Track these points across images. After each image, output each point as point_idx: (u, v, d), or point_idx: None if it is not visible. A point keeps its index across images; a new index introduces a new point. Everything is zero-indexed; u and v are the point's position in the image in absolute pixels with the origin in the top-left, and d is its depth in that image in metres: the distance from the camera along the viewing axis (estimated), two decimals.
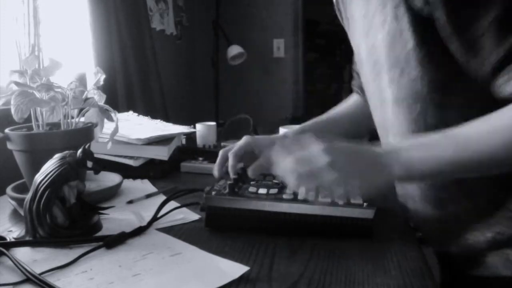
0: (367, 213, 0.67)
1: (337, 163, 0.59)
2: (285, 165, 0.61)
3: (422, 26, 0.57)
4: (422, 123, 0.63)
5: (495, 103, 0.55)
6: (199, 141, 1.33)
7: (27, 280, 0.56)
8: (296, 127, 1.12)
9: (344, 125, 0.97)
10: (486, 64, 0.54)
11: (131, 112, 1.36)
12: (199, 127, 1.34)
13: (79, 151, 0.73)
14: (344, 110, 1.00)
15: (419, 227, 0.77)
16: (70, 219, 0.71)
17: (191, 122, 1.38)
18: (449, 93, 0.61)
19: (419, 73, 0.60)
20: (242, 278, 0.56)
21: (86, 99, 0.89)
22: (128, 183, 1.03)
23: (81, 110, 0.91)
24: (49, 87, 0.84)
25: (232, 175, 0.80)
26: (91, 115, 0.93)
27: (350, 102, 1.00)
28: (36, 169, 0.72)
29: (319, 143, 0.60)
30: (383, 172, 0.59)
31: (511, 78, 0.52)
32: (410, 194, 0.74)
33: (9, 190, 0.89)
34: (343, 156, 0.60)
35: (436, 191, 0.69)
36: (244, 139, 0.86)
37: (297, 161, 0.60)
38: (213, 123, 1.37)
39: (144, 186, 1.03)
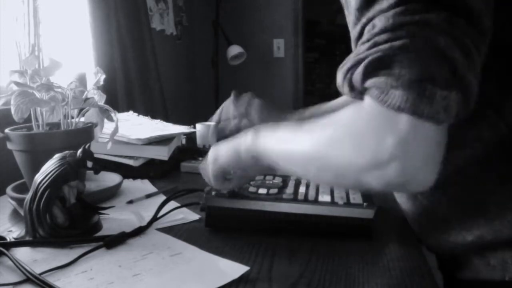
0: (367, 213, 0.67)
1: (216, 157, 0.68)
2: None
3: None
4: None
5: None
6: (199, 141, 1.33)
7: (27, 280, 0.56)
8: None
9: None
10: None
11: (131, 112, 1.36)
12: (199, 127, 1.34)
13: (79, 151, 0.73)
14: (333, 105, 1.00)
15: (411, 225, 0.76)
16: (70, 219, 0.71)
17: (191, 122, 1.38)
18: None
19: None
20: (242, 278, 0.56)
21: (86, 99, 0.90)
22: (128, 183, 1.03)
23: (81, 110, 0.91)
24: (49, 87, 0.84)
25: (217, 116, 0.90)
26: (91, 115, 0.93)
27: (340, 100, 1.00)
28: (36, 169, 0.72)
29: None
30: (241, 140, 0.65)
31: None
32: None
33: (9, 190, 0.89)
34: (222, 151, 0.68)
35: None
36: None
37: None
38: (213, 123, 1.37)
39: (144, 186, 1.03)
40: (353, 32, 0.50)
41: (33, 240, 0.68)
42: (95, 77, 0.94)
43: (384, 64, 0.43)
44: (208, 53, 2.79)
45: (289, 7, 2.97)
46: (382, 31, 0.44)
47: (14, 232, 0.75)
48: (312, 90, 4.61)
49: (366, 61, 0.44)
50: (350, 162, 0.47)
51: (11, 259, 0.60)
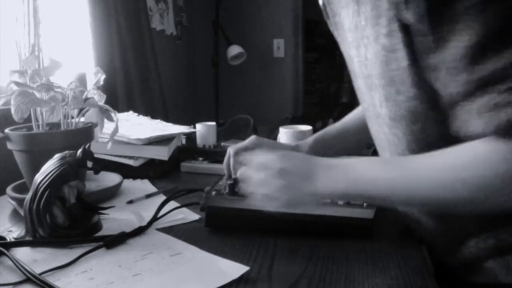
0: (367, 213, 0.67)
1: (288, 169, 0.59)
2: (244, 173, 0.63)
3: (415, 44, 0.55)
4: (423, 141, 0.61)
5: None
6: (199, 141, 1.33)
7: (27, 280, 0.56)
8: (301, 128, 1.12)
9: (355, 135, 0.95)
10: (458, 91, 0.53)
11: (131, 112, 1.36)
12: (199, 127, 1.34)
13: (79, 151, 0.73)
14: (354, 118, 0.97)
15: (425, 239, 0.76)
16: (70, 219, 0.71)
17: (191, 122, 1.38)
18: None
19: (416, 91, 0.58)
20: (242, 278, 0.56)
21: (86, 99, 0.90)
22: (128, 183, 1.03)
23: (81, 110, 0.91)
24: (49, 87, 0.84)
25: (226, 171, 0.82)
26: (91, 115, 0.93)
27: (352, 117, 0.98)
28: (36, 169, 0.72)
29: (276, 152, 0.62)
30: (329, 183, 0.59)
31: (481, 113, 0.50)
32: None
33: (9, 190, 0.89)
34: (295, 164, 0.60)
35: None
36: (251, 138, 0.88)
37: (254, 168, 0.62)
38: (213, 123, 1.37)
39: (144, 186, 1.03)
40: (466, 76, 0.50)
41: (33, 240, 0.68)
42: (95, 77, 0.94)
43: None
44: (208, 53, 2.79)
45: (289, 7, 2.97)
46: None
47: (14, 232, 0.75)
48: (312, 90, 4.61)
49: None
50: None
51: (11, 259, 0.60)
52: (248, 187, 0.62)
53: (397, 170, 0.57)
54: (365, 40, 0.61)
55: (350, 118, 0.97)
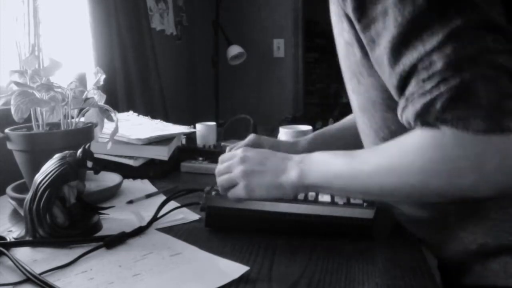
0: (367, 213, 0.67)
1: (247, 158, 0.66)
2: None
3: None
4: (387, 131, 0.62)
5: None
6: (199, 141, 1.33)
7: (27, 280, 0.56)
8: (299, 127, 1.12)
9: (354, 134, 0.97)
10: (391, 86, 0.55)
11: (131, 112, 1.36)
12: (199, 127, 1.34)
13: (79, 151, 0.73)
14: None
15: (416, 233, 0.76)
16: (70, 219, 0.71)
17: (191, 122, 1.38)
18: None
19: (372, 82, 0.60)
20: (242, 278, 0.56)
21: (86, 99, 0.90)
22: (128, 183, 1.03)
23: (81, 110, 0.91)
24: (49, 87, 0.84)
25: None
26: (91, 115, 0.93)
27: (346, 121, 0.99)
28: (36, 169, 0.72)
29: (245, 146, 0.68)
30: (283, 175, 0.63)
31: (404, 106, 0.52)
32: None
33: (9, 190, 0.89)
34: (256, 155, 0.66)
35: None
36: (249, 137, 0.88)
37: (221, 161, 0.70)
38: (213, 123, 1.37)
39: (144, 186, 1.03)
40: (392, 71, 0.53)
41: (33, 240, 0.68)
42: (95, 77, 0.94)
43: (461, 96, 0.46)
44: (208, 53, 2.79)
45: (289, 7, 2.97)
46: (446, 66, 0.47)
47: (14, 232, 0.75)
48: (312, 90, 4.61)
49: (443, 98, 0.47)
50: (450, 183, 0.50)
51: (11, 259, 0.60)
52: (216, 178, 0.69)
53: (346, 159, 0.59)
54: (337, 36, 0.65)
55: (351, 117, 0.97)
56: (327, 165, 0.60)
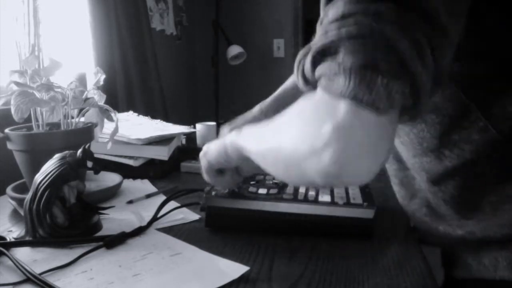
0: (367, 213, 0.67)
1: (206, 152, 0.67)
2: None
3: None
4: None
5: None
6: (199, 141, 1.33)
7: (27, 280, 0.56)
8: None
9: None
10: None
11: (131, 112, 1.36)
12: (199, 127, 1.34)
13: (79, 151, 0.73)
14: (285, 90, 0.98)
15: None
16: (70, 219, 0.71)
17: (191, 122, 1.38)
18: None
19: None
20: (242, 278, 0.56)
21: (86, 99, 0.90)
22: (128, 183, 1.03)
23: (81, 110, 0.91)
24: (49, 87, 0.84)
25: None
26: (91, 115, 0.93)
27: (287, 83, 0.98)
28: (36, 169, 0.72)
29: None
30: (224, 152, 0.63)
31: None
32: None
33: (9, 190, 0.89)
34: (211, 146, 0.66)
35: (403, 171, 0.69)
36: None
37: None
38: (213, 123, 1.37)
39: (144, 186, 1.03)
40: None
41: (33, 240, 0.68)
42: (95, 77, 0.94)
43: (330, 51, 0.43)
44: (208, 53, 2.79)
45: (289, 6, 2.97)
46: (333, 20, 0.44)
47: (14, 232, 0.75)
48: None
49: (313, 50, 0.44)
50: (295, 149, 0.45)
51: (11, 259, 0.60)
52: None
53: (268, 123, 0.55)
54: None
55: (287, 85, 1.00)
56: (251, 129, 0.58)
